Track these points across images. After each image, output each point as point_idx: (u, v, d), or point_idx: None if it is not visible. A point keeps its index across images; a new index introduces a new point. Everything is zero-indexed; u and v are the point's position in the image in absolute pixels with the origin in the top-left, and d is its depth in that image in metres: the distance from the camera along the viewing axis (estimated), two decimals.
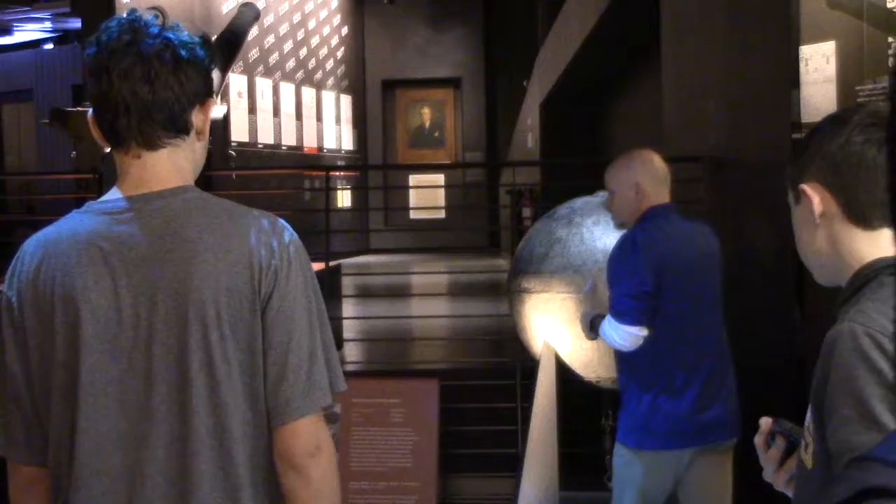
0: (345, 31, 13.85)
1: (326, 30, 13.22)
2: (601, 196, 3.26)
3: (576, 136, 9.46)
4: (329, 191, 5.71)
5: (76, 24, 11.85)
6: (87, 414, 1.44)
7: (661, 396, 3.00)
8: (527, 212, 9.55)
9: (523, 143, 11.68)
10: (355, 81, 14.18)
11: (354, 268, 8.96)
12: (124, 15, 1.51)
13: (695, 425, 3.01)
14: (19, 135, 15.28)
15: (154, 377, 1.45)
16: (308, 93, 12.53)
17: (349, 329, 6.19)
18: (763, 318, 3.52)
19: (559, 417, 3.86)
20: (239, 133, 10.54)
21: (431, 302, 7.60)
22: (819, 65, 3.06)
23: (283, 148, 11.66)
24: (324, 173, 6.36)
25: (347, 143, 13.80)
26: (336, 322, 5.39)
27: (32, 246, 1.52)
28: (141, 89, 1.46)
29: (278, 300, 1.48)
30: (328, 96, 13.19)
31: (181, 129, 1.52)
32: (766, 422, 1.43)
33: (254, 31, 8.75)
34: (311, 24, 12.72)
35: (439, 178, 14.01)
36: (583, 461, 4.35)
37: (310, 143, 12.48)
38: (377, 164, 14.45)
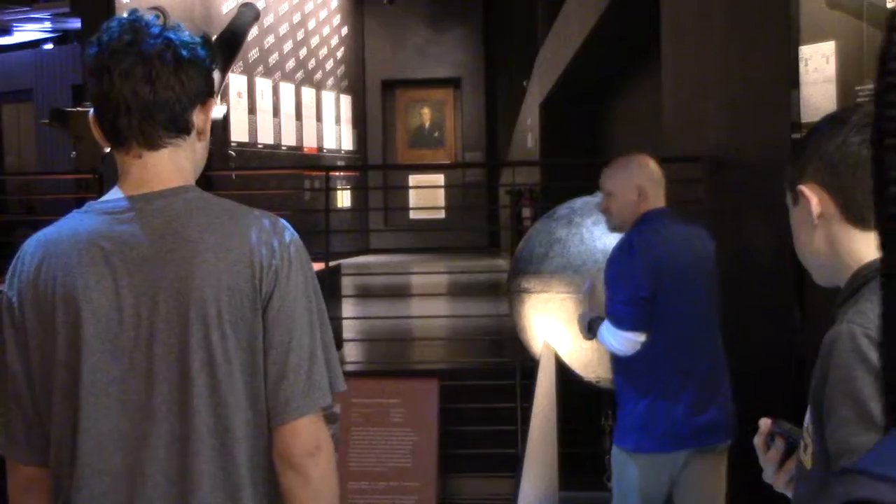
0: (344, 31, 13.85)
1: (326, 30, 13.22)
2: (601, 196, 3.25)
3: (576, 136, 9.47)
4: (329, 191, 5.71)
5: (76, 24, 11.85)
6: (89, 414, 1.44)
7: (657, 400, 3.00)
8: (526, 212, 9.55)
9: (523, 143, 11.68)
10: (355, 81, 14.18)
11: (354, 268, 8.96)
12: (125, 15, 1.51)
13: (691, 428, 3.02)
14: (19, 135, 15.28)
15: (155, 377, 1.45)
16: (308, 93, 12.53)
17: (349, 329, 6.20)
18: (762, 319, 3.52)
19: (559, 417, 3.86)
20: (239, 133, 10.55)
21: (431, 302, 7.60)
22: (819, 65, 3.06)
23: (283, 148, 11.67)
24: (323, 173, 6.37)
25: (347, 144, 13.80)
26: (336, 322, 5.39)
27: (33, 246, 1.52)
28: (142, 89, 1.47)
29: (279, 300, 1.48)
30: (328, 96, 13.19)
31: (182, 129, 1.53)
32: (765, 423, 1.43)
33: (254, 32, 8.75)
34: (311, 25, 12.72)
35: (439, 179, 14.01)
36: (583, 461, 4.35)
37: (309, 143, 12.48)
38: (377, 165, 14.45)
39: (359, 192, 13.02)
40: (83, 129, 5.52)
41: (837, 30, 2.99)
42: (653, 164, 3.16)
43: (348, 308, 6.64)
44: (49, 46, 15.50)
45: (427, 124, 14.97)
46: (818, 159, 1.30)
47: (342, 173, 13.61)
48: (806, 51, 3.11)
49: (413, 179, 13.66)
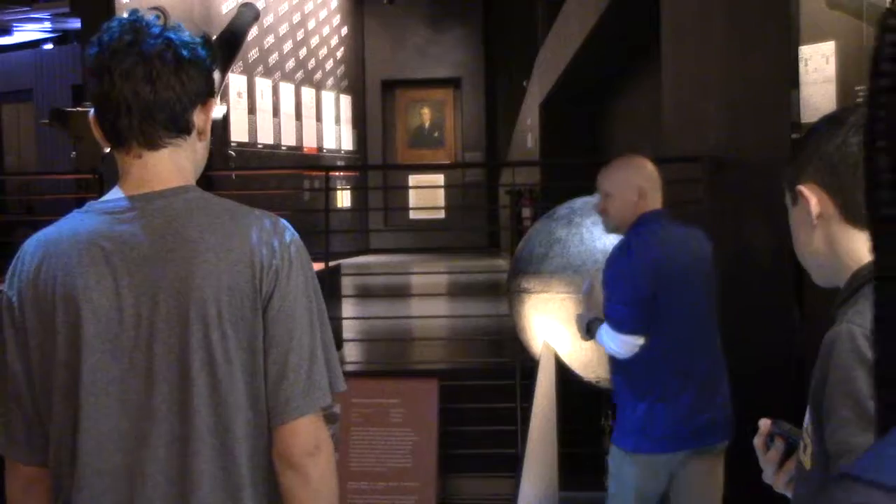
0: (344, 31, 13.85)
1: (326, 30, 13.22)
2: (598, 197, 3.24)
3: (575, 136, 9.46)
4: (329, 191, 5.71)
5: (76, 24, 11.85)
6: (89, 413, 1.44)
7: (657, 402, 3.00)
8: (526, 212, 9.55)
9: (523, 143, 11.68)
10: (355, 81, 14.18)
11: (354, 268, 8.96)
12: (125, 15, 1.51)
13: (690, 429, 3.02)
14: (19, 135, 15.28)
15: (155, 376, 1.45)
16: (308, 93, 12.54)
17: (349, 329, 6.20)
18: (762, 319, 3.52)
19: (559, 417, 3.86)
20: (238, 133, 10.55)
21: (431, 302, 7.60)
22: (819, 65, 3.06)
23: (283, 148, 11.67)
24: (323, 173, 6.36)
25: (347, 144, 13.80)
26: (336, 322, 5.39)
27: (33, 245, 1.52)
28: (142, 89, 1.47)
29: (279, 299, 1.48)
30: (328, 96, 13.19)
31: (183, 129, 1.53)
32: (764, 423, 1.43)
33: (253, 32, 8.75)
34: (311, 25, 12.72)
35: (439, 179, 14.01)
36: (583, 461, 4.35)
37: (309, 143, 12.48)
38: (377, 165, 14.46)
39: (359, 192, 13.02)
40: (83, 129, 5.52)
41: (837, 30, 2.99)
42: (650, 166, 3.15)
43: (348, 308, 6.64)
44: (49, 46, 15.50)
45: (427, 124, 14.97)
46: (817, 159, 1.30)
47: (342, 173, 13.61)
48: (806, 51, 3.11)
49: (413, 179, 13.66)
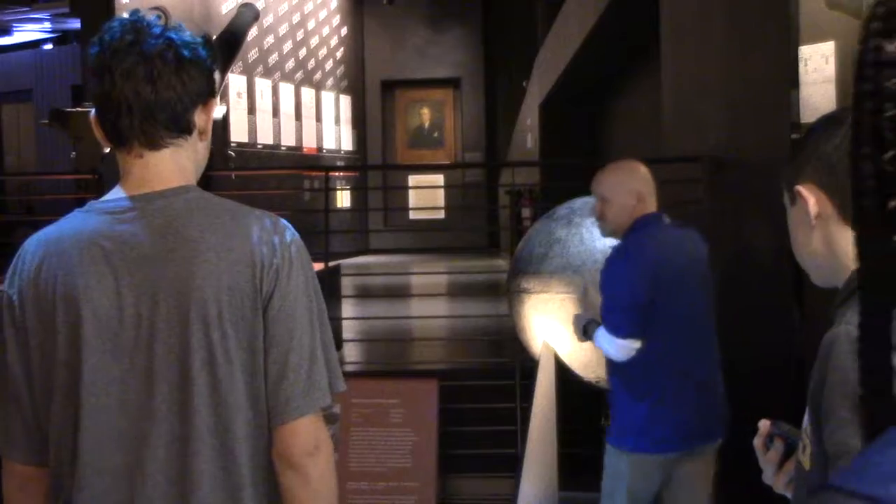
0: (344, 31, 13.86)
1: (326, 30, 13.22)
2: (595, 202, 3.25)
3: (575, 137, 9.46)
4: (328, 191, 5.71)
5: (75, 24, 11.86)
6: (89, 413, 1.44)
7: (656, 403, 3.02)
8: (526, 212, 9.55)
9: (523, 143, 11.68)
10: (354, 82, 14.19)
11: (354, 268, 8.96)
12: (126, 15, 1.51)
13: (689, 430, 3.05)
14: (19, 135, 15.29)
15: (155, 376, 1.45)
16: (307, 93, 12.54)
17: (348, 329, 6.19)
18: (762, 319, 3.52)
19: (559, 417, 3.86)
20: (238, 133, 10.55)
21: (431, 302, 7.60)
22: (818, 65, 3.06)
23: (283, 148, 11.67)
24: (323, 174, 6.37)
25: (347, 144, 13.80)
26: (335, 322, 5.39)
27: (33, 245, 1.52)
28: (143, 89, 1.47)
29: (279, 299, 1.48)
30: (327, 97, 13.19)
31: (183, 129, 1.53)
32: (764, 424, 1.43)
33: (253, 32, 8.75)
34: (311, 25, 12.73)
35: (439, 179, 14.01)
36: (582, 461, 4.35)
37: (309, 143, 12.48)
38: (376, 165, 14.46)
39: (358, 192, 13.03)
40: (83, 129, 5.52)
41: (837, 30, 2.99)
42: (643, 169, 3.17)
43: (348, 308, 6.64)
44: (49, 47, 15.51)
45: (426, 124, 14.97)
46: (816, 159, 1.30)
47: (342, 173, 13.61)
48: (805, 51, 3.11)
49: (413, 180, 13.66)
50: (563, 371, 3.92)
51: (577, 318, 3.35)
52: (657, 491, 3.13)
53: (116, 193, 1.53)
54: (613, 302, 3.03)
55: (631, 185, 3.09)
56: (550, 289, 3.88)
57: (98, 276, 1.45)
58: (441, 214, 13.24)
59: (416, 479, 4.41)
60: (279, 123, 11.63)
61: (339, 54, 13.65)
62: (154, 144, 1.51)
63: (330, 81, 13.32)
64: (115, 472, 1.45)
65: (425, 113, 14.94)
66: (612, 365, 3.13)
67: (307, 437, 1.49)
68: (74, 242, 1.48)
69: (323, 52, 13.11)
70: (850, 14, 2.95)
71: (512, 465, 3.66)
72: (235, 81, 10.46)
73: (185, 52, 1.50)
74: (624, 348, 3.01)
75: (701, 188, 4.17)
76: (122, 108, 1.47)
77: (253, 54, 10.96)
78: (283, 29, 11.88)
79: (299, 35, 12.35)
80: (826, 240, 1.31)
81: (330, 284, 5.54)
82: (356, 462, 4.44)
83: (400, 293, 8.40)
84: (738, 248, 3.79)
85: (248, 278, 1.47)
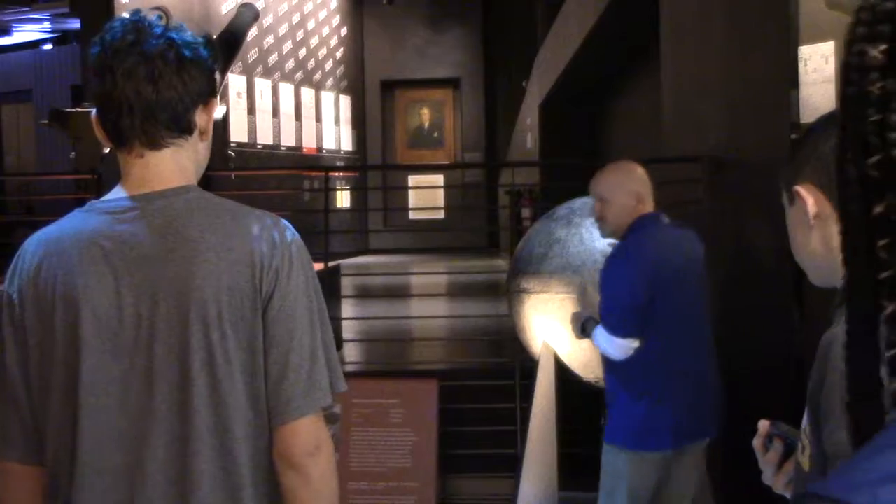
0: (344, 31, 13.85)
1: (326, 30, 13.22)
2: (594, 202, 3.26)
3: (575, 137, 9.46)
4: (328, 191, 5.71)
5: (75, 24, 11.85)
6: (89, 413, 1.44)
7: (655, 402, 3.04)
8: (526, 212, 9.55)
9: (522, 143, 11.68)
10: (354, 82, 14.19)
11: (354, 268, 8.96)
12: (127, 15, 1.51)
13: (687, 427, 3.08)
14: (18, 135, 15.29)
15: (155, 376, 1.45)
16: (307, 93, 12.54)
17: (348, 329, 6.19)
18: (762, 319, 3.52)
19: (558, 417, 3.86)
20: (238, 133, 10.55)
21: (431, 302, 7.60)
22: (818, 65, 3.06)
23: (283, 148, 11.67)
24: (323, 174, 6.37)
25: (346, 144, 13.80)
26: (335, 322, 5.39)
27: (34, 244, 1.52)
28: (144, 89, 1.47)
29: (279, 299, 1.48)
30: (327, 97, 13.19)
31: (184, 128, 1.53)
32: (763, 425, 1.43)
33: (253, 32, 8.75)
34: (311, 25, 12.73)
35: (438, 179, 14.01)
36: (582, 461, 4.35)
37: (309, 143, 12.48)
38: (376, 165, 14.46)
39: (358, 192, 13.02)
40: (82, 129, 5.52)
41: (837, 30, 2.99)
42: (641, 169, 3.21)
43: (348, 308, 6.64)
44: (48, 47, 15.51)
45: (426, 125, 14.97)
46: (815, 160, 1.29)
47: (341, 174, 13.61)
48: (805, 51, 3.11)
49: (412, 180, 13.66)
50: (562, 371, 3.92)
51: (575, 316, 3.37)
52: (656, 487, 3.14)
53: (117, 193, 1.53)
54: (613, 301, 3.06)
55: (630, 185, 3.11)
56: (550, 289, 3.88)
57: (98, 275, 1.45)
58: (441, 214, 13.23)
59: (416, 479, 4.41)
60: (279, 123, 11.63)
61: (338, 54, 13.65)
62: (155, 144, 1.51)
63: (330, 81, 13.32)
64: (114, 472, 1.45)
65: (425, 113, 14.94)
66: (610, 364, 3.14)
67: (308, 437, 1.49)
68: (74, 242, 1.48)
69: (323, 52, 13.11)
70: (850, 14, 2.94)
71: (512, 465, 3.66)
72: (235, 81, 10.46)
73: (187, 52, 1.50)
74: (622, 347, 3.03)
75: (701, 188, 4.17)
76: (123, 107, 1.48)
77: (253, 54, 10.96)
78: (283, 29, 11.88)
79: (299, 35, 12.34)
80: (825, 240, 1.31)
81: (330, 284, 5.54)
82: (356, 462, 4.44)
83: (400, 293, 8.39)
84: (738, 248, 3.79)
85: (247, 278, 1.47)
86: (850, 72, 0.54)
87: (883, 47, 0.53)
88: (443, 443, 4.48)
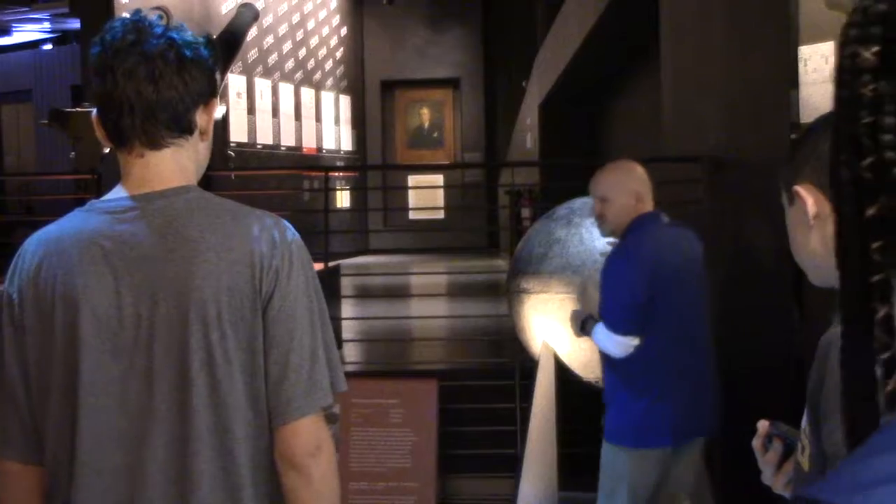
0: (344, 31, 13.85)
1: (325, 30, 13.22)
2: (594, 202, 3.27)
3: (575, 137, 9.46)
4: (328, 191, 5.71)
5: (75, 24, 11.85)
6: (88, 413, 1.44)
7: (655, 400, 3.06)
8: (526, 212, 9.55)
9: (522, 143, 11.68)
10: (354, 82, 14.18)
11: (353, 268, 8.96)
12: (126, 15, 1.51)
13: (686, 425, 3.10)
14: (18, 135, 15.29)
15: (155, 376, 1.45)
16: (307, 93, 12.53)
17: (348, 329, 6.19)
18: (761, 319, 3.52)
19: (558, 417, 3.86)
20: (238, 133, 10.55)
21: (430, 302, 7.60)
22: (818, 65, 3.06)
23: (282, 148, 11.67)
24: (323, 174, 6.37)
25: (346, 144, 13.80)
26: (335, 322, 5.38)
27: (34, 244, 1.52)
28: (145, 89, 1.47)
29: (279, 299, 1.48)
30: (327, 97, 13.19)
31: (185, 128, 1.53)
32: (763, 425, 1.43)
33: (253, 32, 8.75)
34: (311, 25, 12.72)
35: (438, 179, 14.01)
36: (582, 461, 4.35)
37: (309, 143, 12.48)
38: (376, 165, 14.46)
39: (358, 192, 13.02)
40: (82, 129, 5.52)
41: (837, 30, 2.97)
42: (640, 169, 3.23)
43: (348, 308, 6.64)
44: (48, 47, 15.51)
45: (426, 125, 14.97)
46: (814, 159, 1.30)
47: (341, 174, 13.61)
48: (805, 51, 3.11)
49: (412, 180, 13.65)
50: (562, 371, 3.92)
51: (574, 314, 3.38)
52: (655, 486, 3.15)
53: (117, 193, 1.53)
54: (613, 300, 3.07)
55: (630, 185, 3.13)
56: (550, 289, 3.88)
57: (97, 275, 1.45)
58: (441, 214, 13.23)
59: (415, 480, 4.41)
60: (279, 123, 11.62)
61: (338, 54, 13.64)
62: (155, 144, 1.51)
63: (329, 81, 13.32)
64: (114, 472, 1.44)
65: (425, 113, 14.94)
66: (610, 362, 3.15)
67: (309, 437, 1.49)
68: (74, 242, 1.48)
69: (322, 52, 13.11)
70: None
71: (512, 466, 3.66)
72: (235, 81, 10.46)
73: (187, 52, 1.50)
74: (622, 345, 3.04)
75: (701, 188, 4.17)
76: (123, 107, 1.48)
77: (252, 54, 10.96)
78: (283, 29, 11.88)
79: (299, 35, 12.34)
80: (824, 240, 1.31)
81: (330, 284, 5.54)
82: (356, 462, 4.44)
83: (400, 293, 8.39)
84: (737, 248, 3.79)
85: (247, 279, 1.47)
86: (843, 74, 0.54)
87: (875, 49, 0.53)
88: (443, 443, 4.48)
